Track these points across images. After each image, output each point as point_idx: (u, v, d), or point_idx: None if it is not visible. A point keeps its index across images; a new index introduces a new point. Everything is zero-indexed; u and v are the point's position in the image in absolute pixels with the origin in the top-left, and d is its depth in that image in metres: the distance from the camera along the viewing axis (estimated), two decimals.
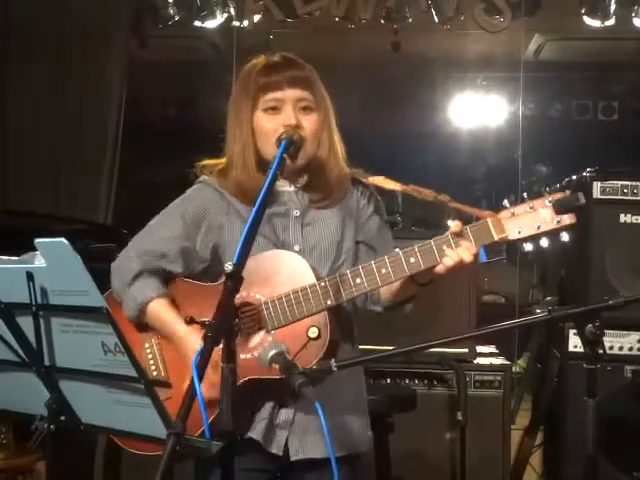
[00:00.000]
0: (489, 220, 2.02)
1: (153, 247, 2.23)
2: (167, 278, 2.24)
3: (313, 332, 2.05)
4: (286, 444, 2.16)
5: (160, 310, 2.19)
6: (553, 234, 1.99)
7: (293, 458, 2.17)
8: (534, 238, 2.00)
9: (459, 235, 2.04)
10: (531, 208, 2.00)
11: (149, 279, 2.21)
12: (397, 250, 2.08)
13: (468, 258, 2.01)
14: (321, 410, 1.77)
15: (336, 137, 2.27)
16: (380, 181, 2.26)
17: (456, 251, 2.02)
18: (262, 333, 2.10)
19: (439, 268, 2.04)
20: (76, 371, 1.76)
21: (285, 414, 2.17)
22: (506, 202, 2.01)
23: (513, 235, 2.01)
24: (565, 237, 1.99)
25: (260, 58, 2.27)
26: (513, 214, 2.00)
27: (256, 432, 2.14)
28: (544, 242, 2.00)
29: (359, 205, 2.31)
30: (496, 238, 2.01)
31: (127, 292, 2.21)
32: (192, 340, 2.10)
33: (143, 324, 2.23)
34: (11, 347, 1.79)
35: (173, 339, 2.17)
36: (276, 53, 2.27)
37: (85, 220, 4.94)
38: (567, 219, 1.98)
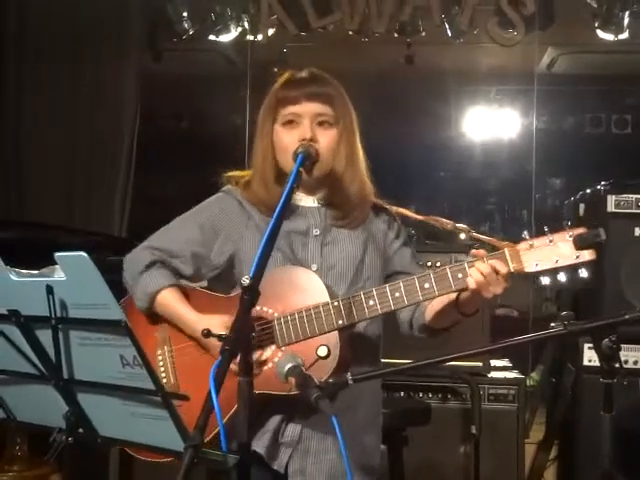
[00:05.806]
0: (506, 250, 2.00)
1: (166, 246, 2.26)
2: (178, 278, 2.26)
3: (322, 351, 2.04)
4: (288, 463, 2.15)
5: (170, 299, 2.20)
6: (571, 269, 1.97)
7: None
8: (552, 272, 1.98)
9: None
10: (550, 241, 1.97)
11: (160, 270, 2.24)
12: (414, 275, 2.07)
13: (503, 269, 1.98)
14: (337, 424, 1.76)
15: (358, 154, 2.26)
16: (403, 211, 2.28)
17: (488, 263, 1.99)
18: (273, 348, 2.10)
19: (471, 291, 2.00)
20: (94, 384, 1.76)
21: (292, 430, 2.16)
22: (525, 234, 1.99)
23: (530, 267, 1.98)
24: (584, 273, 1.97)
25: (287, 73, 2.28)
26: (532, 246, 1.98)
27: (260, 446, 2.12)
28: (562, 276, 1.98)
29: (386, 237, 2.30)
30: (512, 269, 1.99)
31: (138, 282, 2.23)
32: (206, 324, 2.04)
33: (154, 316, 2.24)
34: (30, 360, 1.79)
35: (183, 328, 2.18)
36: (305, 69, 2.27)
37: (100, 232, 4.96)
38: (587, 255, 1.96)
